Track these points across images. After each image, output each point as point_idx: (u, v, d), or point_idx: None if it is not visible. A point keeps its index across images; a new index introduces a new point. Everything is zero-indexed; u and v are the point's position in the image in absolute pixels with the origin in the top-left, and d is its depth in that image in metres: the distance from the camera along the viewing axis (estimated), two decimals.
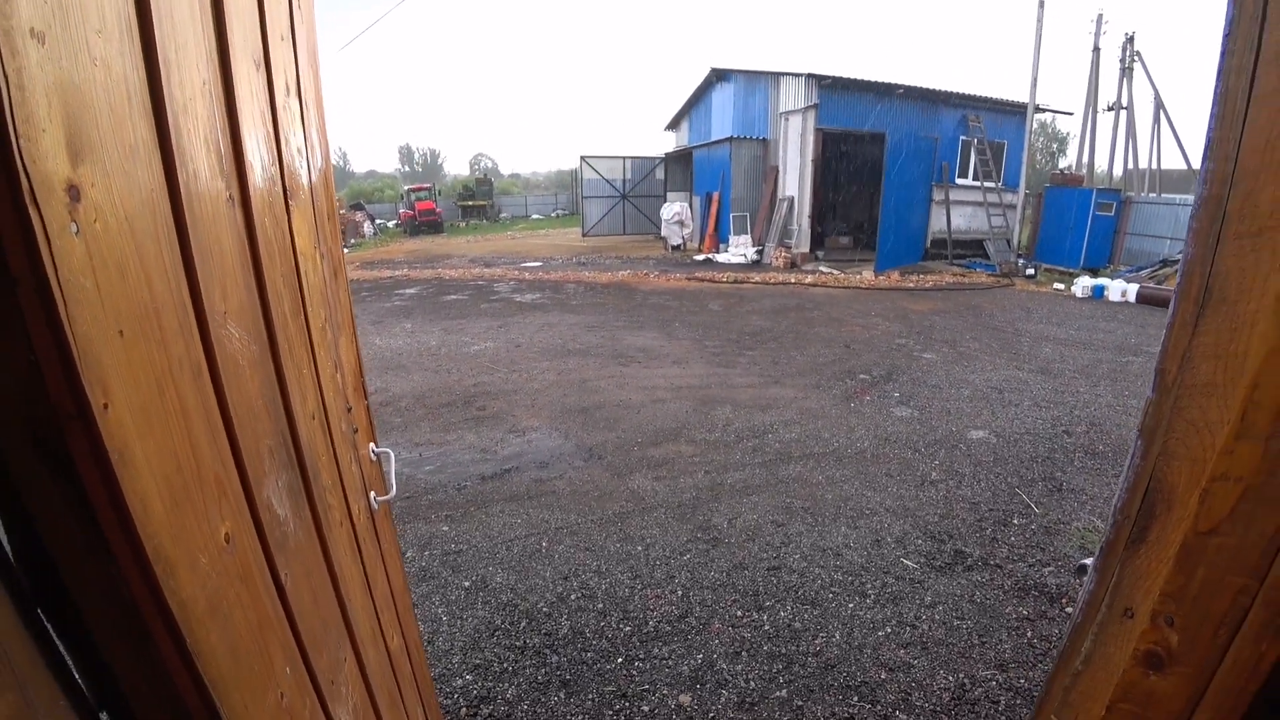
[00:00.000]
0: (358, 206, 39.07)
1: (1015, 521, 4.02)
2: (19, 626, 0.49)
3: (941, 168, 16.69)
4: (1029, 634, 3.01)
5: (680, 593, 3.42)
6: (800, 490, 4.45)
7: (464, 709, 2.75)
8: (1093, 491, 4.38)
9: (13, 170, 0.45)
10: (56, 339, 0.48)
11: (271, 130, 0.93)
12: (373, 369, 7.99)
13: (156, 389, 0.57)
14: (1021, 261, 15.51)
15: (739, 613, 3.23)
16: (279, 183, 0.94)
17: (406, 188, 40.03)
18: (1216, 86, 0.80)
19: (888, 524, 4.00)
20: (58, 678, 0.51)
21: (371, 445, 1.45)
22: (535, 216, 45.22)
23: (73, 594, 0.53)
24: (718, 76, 21.76)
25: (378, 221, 37.18)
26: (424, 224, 33.71)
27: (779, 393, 6.53)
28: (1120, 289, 12.02)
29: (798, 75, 16.71)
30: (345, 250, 25.69)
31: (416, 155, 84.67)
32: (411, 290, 14.35)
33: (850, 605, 3.26)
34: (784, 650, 2.96)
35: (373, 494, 1.37)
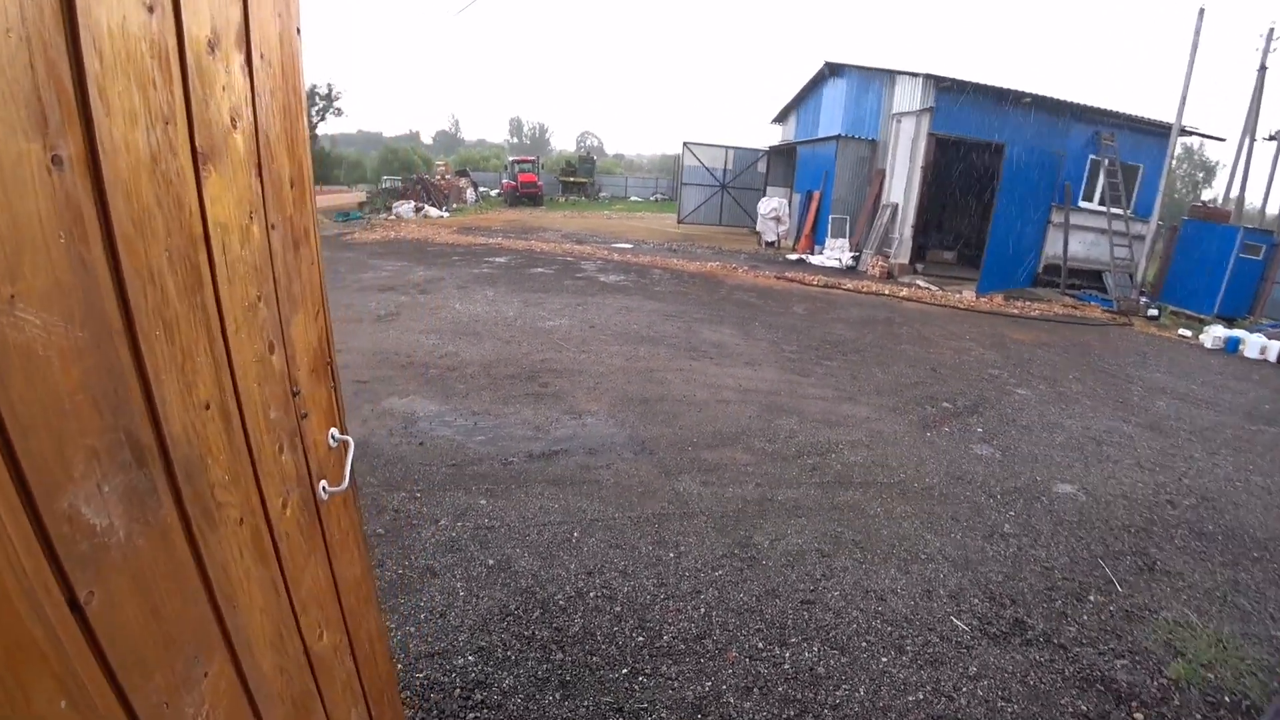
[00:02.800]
0: (463, 173, 40.35)
1: (1092, 598, 3.56)
2: None
3: (1064, 187, 15.41)
4: None
5: (703, 610, 3.22)
6: (854, 520, 4.14)
7: (458, 690, 2.68)
8: (1192, 579, 3.83)
9: None
10: None
11: (171, 84, 0.79)
12: (447, 333, 8.13)
13: None
14: (1144, 300, 14.21)
15: (760, 644, 3.00)
16: (180, 145, 0.81)
17: (511, 159, 40.94)
18: None
19: (944, 574, 3.64)
20: None
21: (333, 431, 1.32)
22: (634, 198, 45.42)
23: None
24: (831, 71, 20.97)
25: (480, 189, 38.23)
26: (524, 195, 34.44)
27: (851, 410, 6.17)
28: (1260, 344, 10.72)
29: (915, 75, 15.83)
30: (444, 214, 26.51)
31: (526, 128, 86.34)
32: (501, 259, 14.58)
33: (884, 659, 2.96)
34: (800, 696, 2.71)
35: (323, 483, 1.24)
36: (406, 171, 44.29)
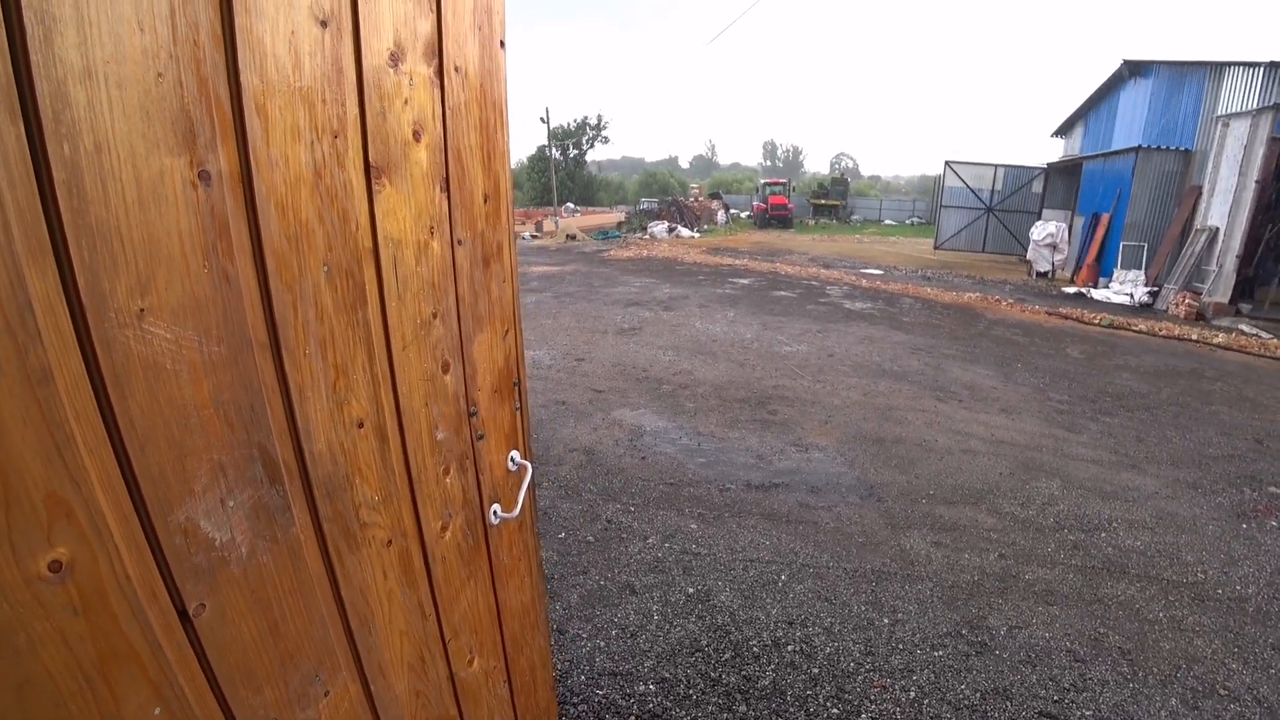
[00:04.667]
0: (715, 196, 41.59)
1: None
2: None
3: None
4: None
5: (913, 694, 2.81)
6: (1124, 622, 3.37)
7: (633, 718, 2.62)
8: None
9: None
10: None
11: (344, 98, 0.79)
12: (684, 351, 8.31)
13: None
14: None
15: None
16: (350, 159, 0.81)
17: (762, 181, 41.24)
18: None
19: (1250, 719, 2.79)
20: None
21: (514, 454, 1.30)
22: (888, 222, 43.26)
23: None
24: (1131, 71, 17.80)
25: (731, 211, 39.03)
26: (774, 217, 34.60)
27: (1134, 480, 5.12)
28: None
29: (1252, 65, 12.83)
30: (695, 234, 27.60)
31: (779, 151, 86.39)
32: (745, 280, 14.63)
33: None
34: None
35: (495, 507, 1.22)
36: (663, 194, 46.79)
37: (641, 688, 2.78)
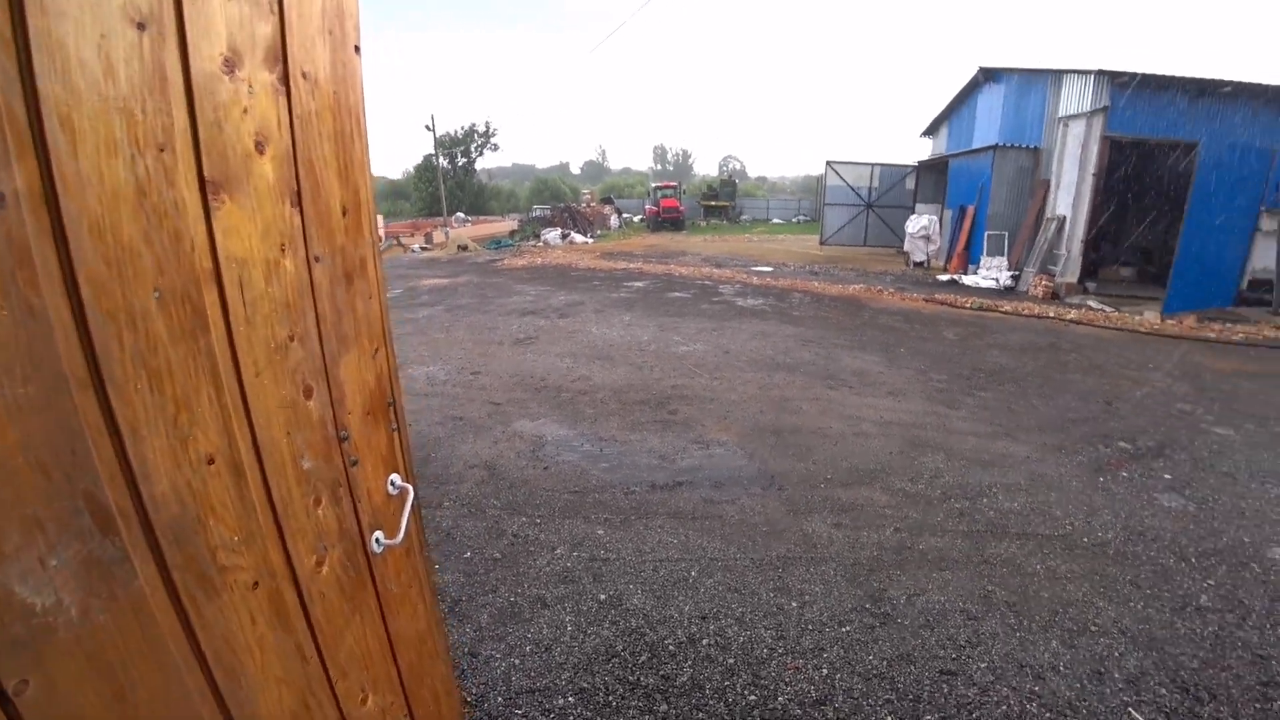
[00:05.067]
0: (607, 200, 41.87)
1: None
2: None
3: (1278, 188, 13.20)
4: None
5: (825, 672, 2.91)
6: (1008, 578, 3.64)
7: None
8: None
9: None
10: None
11: (171, 108, 0.72)
12: (582, 357, 8.28)
13: None
14: None
15: (888, 718, 2.66)
16: (181, 174, 0.74)
17: (653, 185, 41.78)
18: None
19: (1120, 652, 3.06)
20: None
21: (393, 477, 1.24)
22: (776, 221, 44.86)
23: None
24: (985, 76, 19.51)
25: (624, 215, 39.37)
26: (666, 220, 35.13)
27: (1008, 448, 5.53)
28: None
29: (1085, 73, 14.27)
30: (589, 240, 27.67)
31: (669, 154, 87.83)
32: (640, 284, 14.77)
33: None
34: None
35: (377, 534, 1.16)
36: (555, 200, 46.59)
37: (561, 701, 2.74)
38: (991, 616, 3.30)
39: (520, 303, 12.35)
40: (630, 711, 2.69)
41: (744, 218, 44.87)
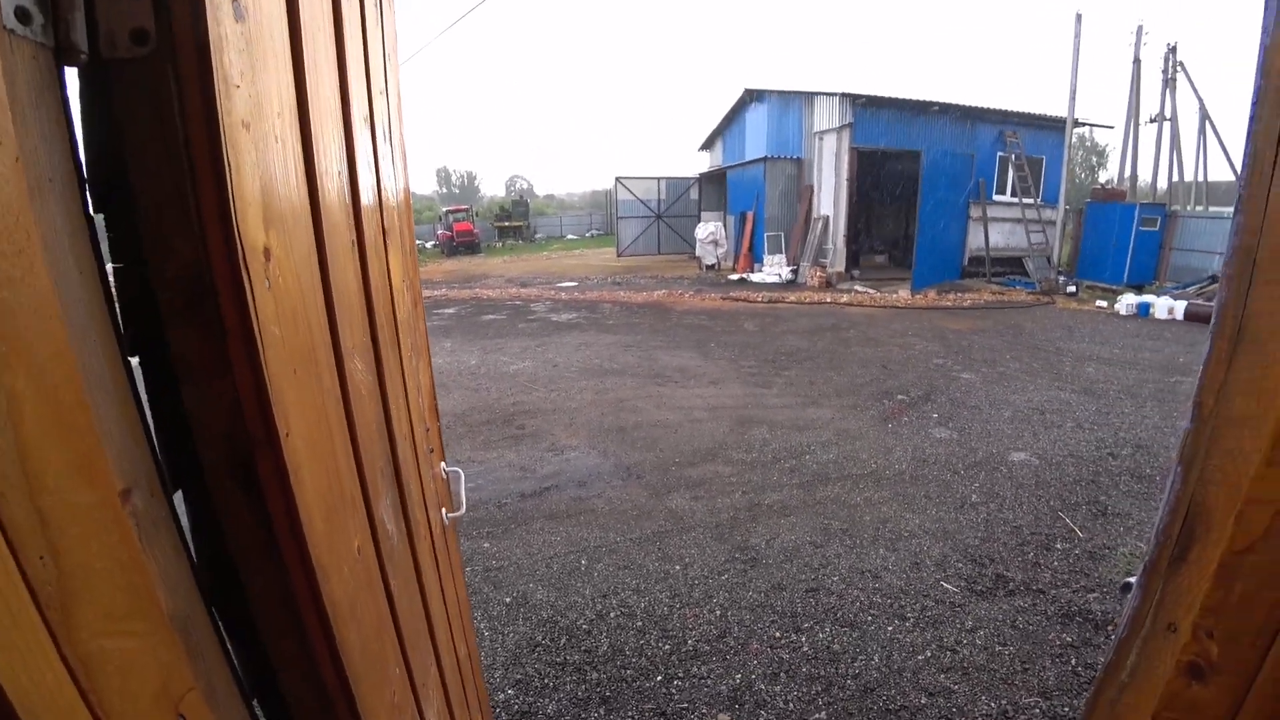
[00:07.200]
0: None
1: (1058, 546, 3.97)
2: (207, 624, 0.58)
3: (979, 184, 16.54)
4: (1073, 661, 2.98)
5: (719, 612, 3.46)
6: (838, 512, 4.47)
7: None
8: (1139, 516, 4.30)
9: (232, 240, 0.55)
10: (255, 379, 0.58)
11: (374, 176, 1.03)
12: None
13: (316, 418, 0.67)
14: (1062, 279, 15.25)
15: (777, 633, 3.26)
16: (381, 225, 1.04)
17: (445, 209, 40.67)
18: (1246, 146, 0.86)
19: (927, 547, 3.99)
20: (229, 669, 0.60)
21: (443, 464, 1.54)
22: (570, 237, 45.62)
23: (250, 594, 0.62)
24: (751, 97, 21.94)
25: (416, 242, 37.93)
26: (461, 244, 34.32)
27: (816, 413, 6.54)
28: (1167, 306, 11.72)
29: (832, 95, 16.80)
30: None
31: (454, 177, 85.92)
32: (450, 310, 14.62)
33: (889, 628, 3.26)
34: (823, 672, 2.98)
35: (443, 510, 1.46)
36: None
37: (502, 696, 2.94)
38: (832, 542, 4.08)
39: None
40: (567, 686, 2.98)
41: (539, 236, 45.15)
